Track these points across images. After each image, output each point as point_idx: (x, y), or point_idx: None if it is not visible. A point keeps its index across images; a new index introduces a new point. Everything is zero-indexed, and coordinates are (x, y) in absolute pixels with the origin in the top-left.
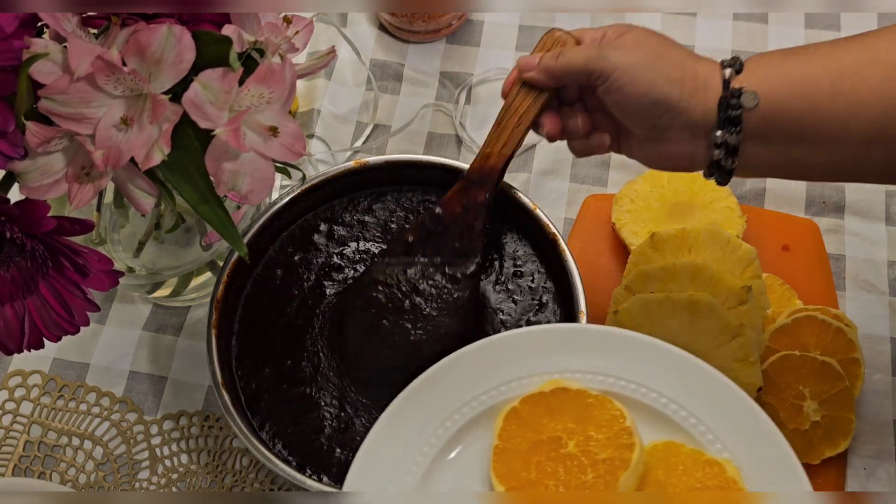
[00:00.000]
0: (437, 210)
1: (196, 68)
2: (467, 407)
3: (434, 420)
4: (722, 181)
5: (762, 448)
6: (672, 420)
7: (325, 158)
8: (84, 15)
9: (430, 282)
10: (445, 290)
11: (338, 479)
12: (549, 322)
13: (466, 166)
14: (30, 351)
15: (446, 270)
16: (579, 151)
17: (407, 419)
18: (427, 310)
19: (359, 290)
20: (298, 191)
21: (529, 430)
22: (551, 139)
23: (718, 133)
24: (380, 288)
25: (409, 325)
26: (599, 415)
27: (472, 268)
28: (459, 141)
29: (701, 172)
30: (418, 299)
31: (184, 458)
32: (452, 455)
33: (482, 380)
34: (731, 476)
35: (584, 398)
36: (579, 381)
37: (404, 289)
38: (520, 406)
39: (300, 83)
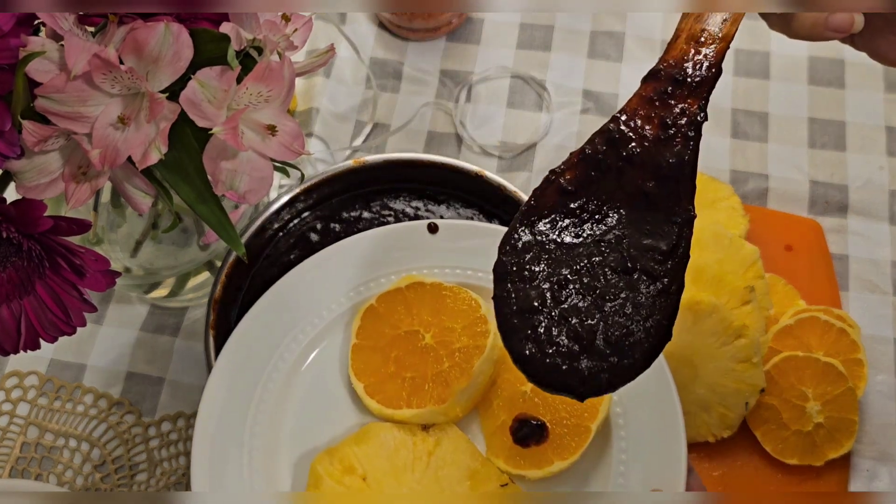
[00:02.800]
0: (616, 129)
1: (194, 66)
2: (326, 310)
3: (293, 326)
4: None
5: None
6: None
7: (324, 157)
8: (81, 13)
9: (605, 262)
10: (635, 280)
11: None
12: None
13: (468, 165)
14: (26, 352)
15: (632, 243)
16: (807, 27)
17: (266, 327)
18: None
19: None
20: (297, 190)
21: (387, 326)
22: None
23: None
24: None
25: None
26: (455, 305)
27: (676, 240)
28: (459, 140)
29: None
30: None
31: (182, 460)
32: (312, 356)
33: (339, 284)
34: None
35: (440, 290)
36: (435, 276)
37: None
38: (377, 304)
39: (299, 81)
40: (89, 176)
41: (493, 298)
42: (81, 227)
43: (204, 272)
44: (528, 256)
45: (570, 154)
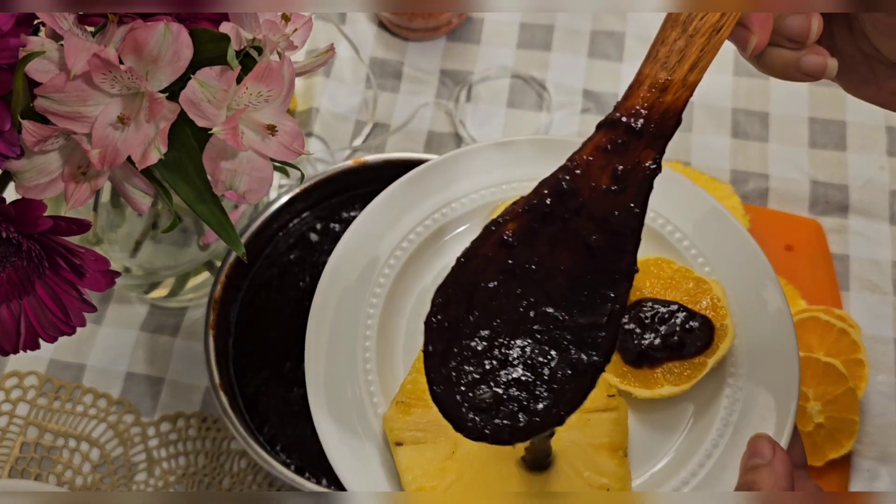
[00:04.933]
0: (564, 179)
1: (193, 66)
2: (457, 203)
3: (419, 215)
4: None
5: (750, 276)
6: (664, 238)
7: (323, 157)
8: (81, 13)
9: (542, 331)
10: (567, 345)
11: (337, 480)
12: None
13: None
14: (26, 352)
15: (573, 301)
16: (777, 67)
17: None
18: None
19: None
20: (297, 190)
21: None
22: (755, 53)
23: None
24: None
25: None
26: None
27: (615, 304)
28: (459, 139)
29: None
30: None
31: (181, 460)
32: (443, 241)
33: (476, 180)
34: (717, 294)
35: None
36: None
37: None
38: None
39: (299, 81)
40: (89, 176)
41: (422, 352)
42: (81, 227)
43: (204, 272)
44: (459, 310)
45: (514, 204)
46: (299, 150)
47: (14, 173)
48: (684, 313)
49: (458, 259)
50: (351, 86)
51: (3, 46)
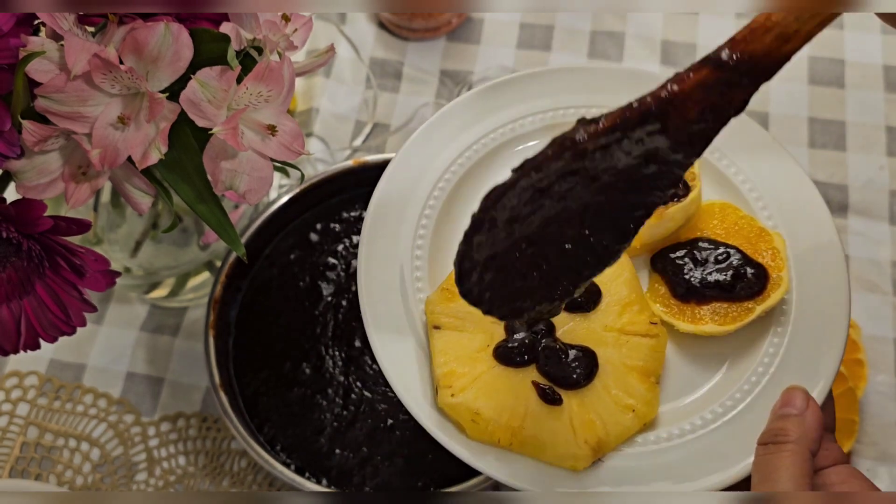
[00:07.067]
0: (654, 107)
1: (194, 66)
2: (543, 116)
3: (509, 116)
4: None
5: (814, 236)
6: (734, 186)
7: (323, 157)
8: (81, 13)
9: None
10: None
11: (337, 480)
12: None
13: None
14: (26, 351)
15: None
16: None
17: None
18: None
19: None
20: (297, 190)
21: None
22: None
23: None
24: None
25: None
26: None
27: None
28: None
29: None
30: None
31: (181, 459)
32: (525, 146)
33: (563, 98)
34: (777, 246)
35: None
36: None
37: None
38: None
39: (299, 81)
40: (89, 176)
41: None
42: (81, 227)
43: (204, 272)
44: (511, 207)
45: (592, 121)
46: (299, 150)
47: (14, 173)
48: (740, 258)
49: (523, 162)
50: (351, 86)
51: (4, 46)
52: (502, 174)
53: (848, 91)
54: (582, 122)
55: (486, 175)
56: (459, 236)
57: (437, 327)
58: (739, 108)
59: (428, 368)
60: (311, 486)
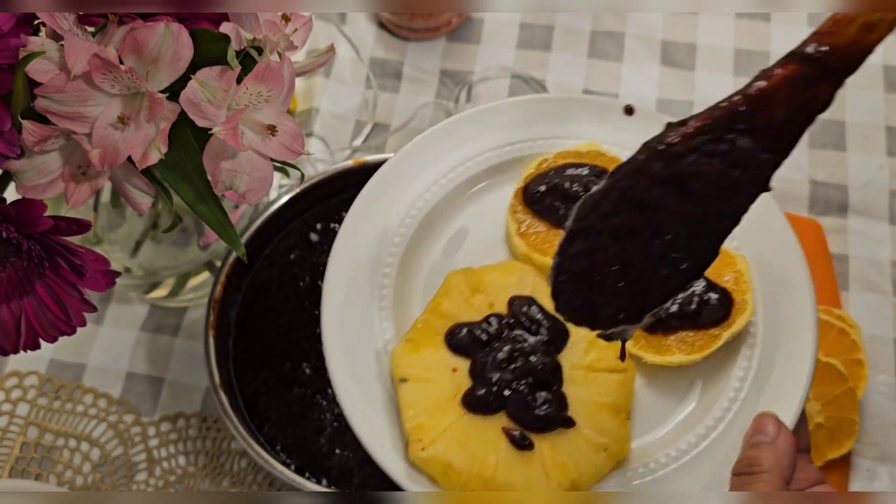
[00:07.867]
0: (742, 107)
1: (194, 66)
2: (493, 154)
3: (458, 159)
4: None
5: (778, 257)
6: None
7: (323, 157)
8: (81, 13)
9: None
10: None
11: (337, 480)
12: None
13: None
14: (26, 352)
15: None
16: None
17: (423, 158)
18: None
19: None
20: (297, 190)
21: None
22: None
23: None
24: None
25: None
26: None
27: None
28: None
29: None
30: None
31: (181, 459)
32: (479, 187)
33: (514, 133)
34: (740, 268)
35: (616, 164)
36: (614, 152)
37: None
38: (554, 159)
39: (299, 81)
40: (89, 176)
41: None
42: (81, 227)
43: (204, 272)
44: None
45: (681, 124)
46: (299, 150)
47: (14, 173)
48: (704, 284)
49: (615, 168)
50: (351, 86)
51: (4, 46)
52: (459, 219)
53: (848, 91)
54: (671, 125)
55: (441, 223)
56: (422, 286)
57: (403, 380)
58: (825, 104)
59: (398, 421)
60: (311, 486)
